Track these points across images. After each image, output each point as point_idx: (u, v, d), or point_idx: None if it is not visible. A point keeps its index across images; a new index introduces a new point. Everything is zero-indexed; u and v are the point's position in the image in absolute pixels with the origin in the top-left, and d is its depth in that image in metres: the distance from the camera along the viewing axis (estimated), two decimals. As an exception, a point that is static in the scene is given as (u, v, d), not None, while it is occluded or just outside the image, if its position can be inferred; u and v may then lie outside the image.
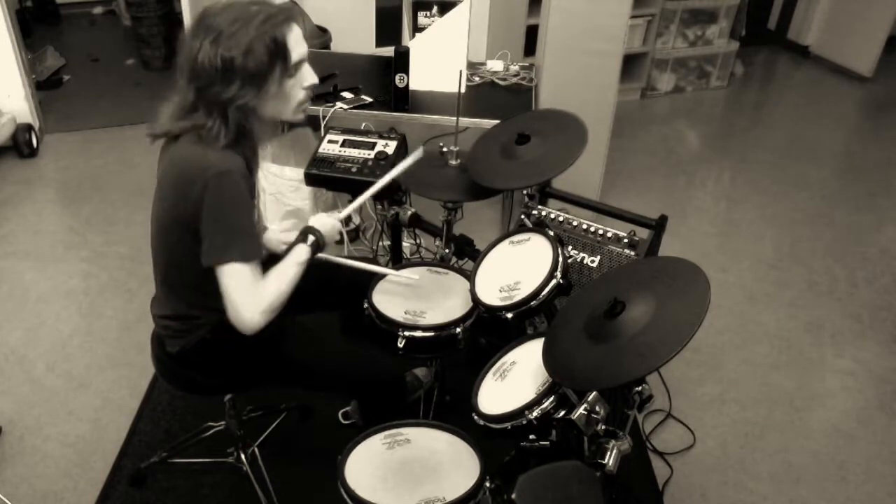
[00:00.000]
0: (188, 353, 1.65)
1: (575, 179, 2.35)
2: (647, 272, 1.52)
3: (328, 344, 1.84)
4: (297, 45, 1.46)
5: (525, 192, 2.18)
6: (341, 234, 1.74)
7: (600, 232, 2.14)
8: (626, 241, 2.11)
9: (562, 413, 1.46)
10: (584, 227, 2.17)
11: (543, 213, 2.21)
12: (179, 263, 1.55)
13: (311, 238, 1.60)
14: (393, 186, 2.12)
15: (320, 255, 1.87)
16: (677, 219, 3.28)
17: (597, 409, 1.39)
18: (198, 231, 1.44)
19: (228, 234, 1.43)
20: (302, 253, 1.57)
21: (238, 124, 1.44)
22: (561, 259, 1.63)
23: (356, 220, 3.08)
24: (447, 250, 2.13)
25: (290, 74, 1.46)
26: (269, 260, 1.78)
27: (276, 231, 1.92)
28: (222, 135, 1.43)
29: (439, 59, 2.78)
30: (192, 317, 1.62)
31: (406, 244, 2.67)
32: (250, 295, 1.45)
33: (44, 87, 4.37)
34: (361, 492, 1.38)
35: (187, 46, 1.40)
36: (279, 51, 1.41)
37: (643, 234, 2.12)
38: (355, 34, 3.21)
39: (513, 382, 1.62)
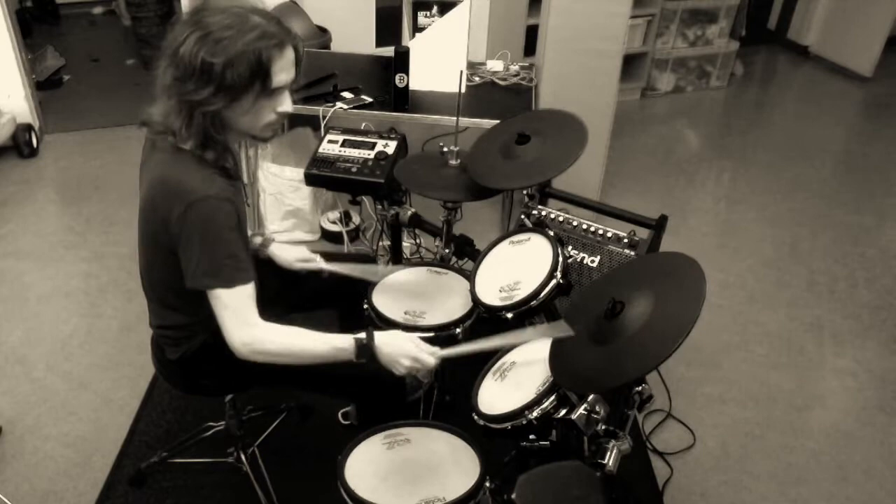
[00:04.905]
0: (189, 358, 1.64)
1: (575, 179, 2.35)
2: (643, 269, 1.52)
3: None
4: (283, 71, 1.41)
5: (525, 192, 2.18)
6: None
7: (600, 232, 2.14)
8: (626, 241, 2.11)
9: (562, 413, 1.46)
10: (584, 227, 2.18)
11: (543, 213, 2.21)
12: (167, 280, 1.52)
13: (362, 344, 1.47)
14: (393, 186, 2.13)
15: (329, 266, 1.84)
16: (677, 219, 3.28)
17: (597, 409, 1.39)
18: (178, 253, 1.42)
19: (209, 261, 1.40)
20: (339, 344, 1.47)
21: (204, 129, 1.40)
22: (561, 259, 1.63)
23: (356, 220, 3.08)
24: (447, 250, 2.13)
25: (267, 96, 1.41)
26: (271, 272, 1.75)
27: (285, 247, 1.90)
28: (189, 138, 1.41)
29: (439, 59, 2.78)
30: (189, 325, 1.61)
31: (406, 244, 2.67)
32: (238, 323, 1.42)
33: (44, 87, 4.37)
34: (361, 492, 1.38)
35: (176, 31, 1.37)
36: (261, 72, 1.36)
37: (643, 234, 2.13)
38: (355, 34, 3.20)
39: (513, 382, 1.62)
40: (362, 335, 1.48)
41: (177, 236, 1.40)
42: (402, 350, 1.49)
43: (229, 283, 1.41)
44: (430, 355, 1.49)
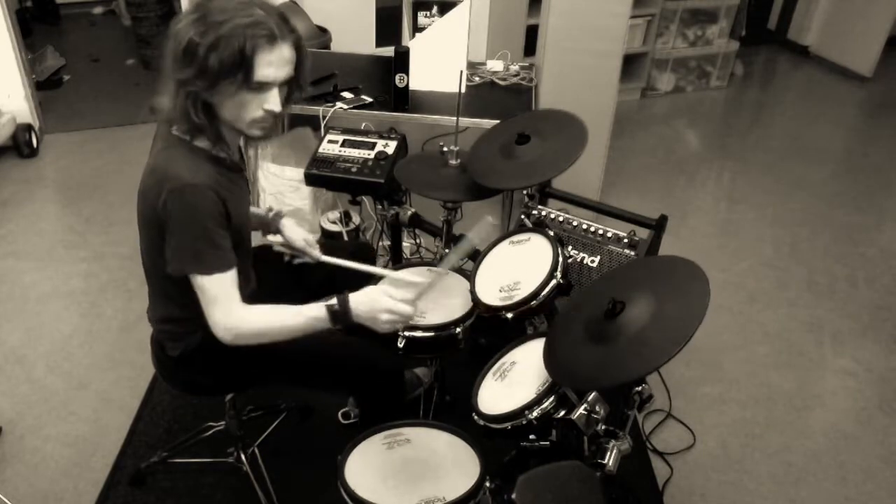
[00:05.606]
0: (189, 355, 1.64)
1: (575, 179, 2.35)
2: (646, 272, 1.52)
3: (324, 335, 1.83)
4: (269, 66, 1.38)
5: (525, 192, 2.18)
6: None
7: (600, 232, 2.14)
8: (626, 241, 2.11)
9: (562, 413, 1.46)
10: (584, 227, 2.17)
11: (543, 213, 2.21)
12: (164, 268, 1.51)
13: (335, 311, 1.47)
14: (393, 186, 2.13)
15: (325, 258, 1.86)
16: (677, 219, 3.28)
17: (597, 409, 1.39)
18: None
19: (186, 248, 1.41)
20: (313, 314, 1.47)
21: (185, 110, 1.40)
22: (561, 259, 1.63)
23: (356, 220, 3.08)
24: (447, 250, 2.13)
25: (251, 89, 1.40)
26: (270, 269, 1.75)
27: (294, 226, 1.91)
28: (176, 118, 1.42)
29: (439, 59, 2.78)
30: (189, 318, 1.61)
31: (406, 244, 2.67)
32: (219, 309, 1.43)
33: (44, 87, 4.38)
34: (361, 492, 1.38)
35: (182, 12, 1.39)
36: (243, 62, 1.35)
37: (643, 234, 2.12)
38: (355, 34, 3.20)
39: (513, 382, 1.62)
40: (333, 301, 1.48)
41: (164, 222, 1.42)
42: (378, 305, 1.48)
43: (207, 269, 1.42)
44: (405, 303, 1.49)
